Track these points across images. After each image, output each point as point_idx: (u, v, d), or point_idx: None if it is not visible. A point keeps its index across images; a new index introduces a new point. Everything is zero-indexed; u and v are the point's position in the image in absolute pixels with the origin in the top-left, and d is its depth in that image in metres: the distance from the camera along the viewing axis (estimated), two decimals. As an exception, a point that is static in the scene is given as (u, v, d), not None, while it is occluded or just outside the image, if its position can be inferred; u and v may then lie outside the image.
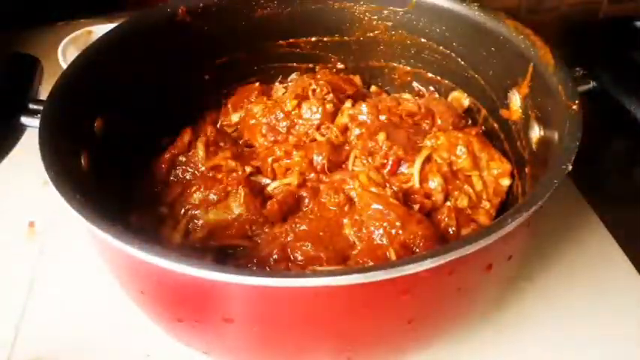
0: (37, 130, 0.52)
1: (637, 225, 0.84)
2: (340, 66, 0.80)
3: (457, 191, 0.62)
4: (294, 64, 0.80)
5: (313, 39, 0.77)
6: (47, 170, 0.48)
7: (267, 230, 0.61)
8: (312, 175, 0.65)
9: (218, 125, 0.75)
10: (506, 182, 0.65)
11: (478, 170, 0.64)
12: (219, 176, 0.64)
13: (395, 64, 0.78)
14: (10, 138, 0.55)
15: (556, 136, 0.53)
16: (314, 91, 0.73)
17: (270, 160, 0.66)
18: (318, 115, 0.69)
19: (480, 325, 0.64)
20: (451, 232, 0.60)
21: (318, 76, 0.76)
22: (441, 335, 0.56)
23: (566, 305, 0.67)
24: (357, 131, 0.68)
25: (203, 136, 0.68)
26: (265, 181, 0.66)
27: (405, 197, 0.61)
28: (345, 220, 0.59)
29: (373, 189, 0.61)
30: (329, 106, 0.70)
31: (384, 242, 0.56)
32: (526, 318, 0.66)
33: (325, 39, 0.77)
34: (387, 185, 0.62)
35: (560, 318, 0.66)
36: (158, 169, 0.66)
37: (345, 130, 0.70)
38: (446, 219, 0.60)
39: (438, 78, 0.76)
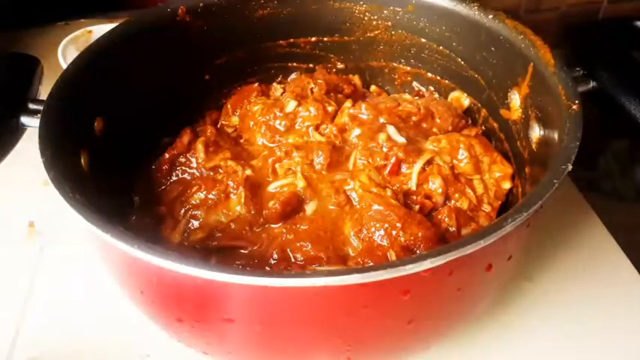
0: (37, 130, 0.52)
1: (637, 225, 0.84)
2: (340, 66, 0.80)
3: (458, 193, 0.62)
4: (294, 64, 0.80)
5: (313, 39, 0.77)
6: (47, 170, 0.48)
7: (267, 230, 0.61)
8: (313, 175, 0.65)
9: (218, 125, 0.75)
10: (507, 185, 0.64)
11: (480, 174, 0.64)
12: (220, 177, 0.64)
13: (395, 64, 0.78)
14: (10, 138, 0.55)
15: (556, 136, 0.53)
16: (312, 90, 0.73)
17: (270, 160, 0.66)
18: (315, 113, 0.69)
19: (479, 325, 0.64)
20: (451, 232, 0.60)
21: (316, 75, 0.76)
22: (441, 335, 0.56)
23: (567, 305, 0.67)
24: (357, 131, 0.68)
25: (203, 137, 0.68)
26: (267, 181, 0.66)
27: (406, 198, 0.61)
28: (346, 221, 0.60)
29: (374, 189, 0.61)
30: (329, 106, 0.70)
31: (385, 243, 0.56)
32: (526, 318, 0.66)
33: (325, 39, 0.77)
34: (388, 186, 0.62)
35: (561, 318, 0.66)
36: (158, 169, 0.66)
37: (344, 130, 0.70)
38: (446, 219, 0.60)
39: (438, 78, 0.76)
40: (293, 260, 0.57)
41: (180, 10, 0.69)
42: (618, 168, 0.97)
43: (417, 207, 0.61)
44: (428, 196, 0.62)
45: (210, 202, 0.62)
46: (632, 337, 0.64)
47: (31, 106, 0.56)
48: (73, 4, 1.10)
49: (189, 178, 0.66)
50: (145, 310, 0.55)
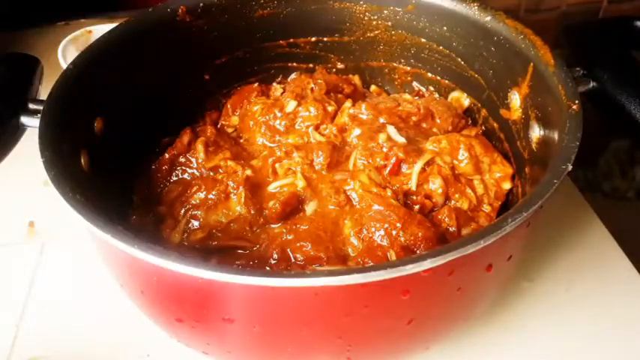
0: (37, 130, 0.52)
1: (637, 224, 0.84)
2: (340, 66, 0.80)
3: (458, 194, 0.62)
4: (294, 64, 0.80)
5: (313, 39, 0.77)
6: (47, 170, 0.48)
7: (267, 230, 0.61)
8: (313, 175, 0.65)
9: (218, 125, 0.75)
10: (507, 186, 0.64)
11: (480, 174, 0.64)
12: (220, 177, 0.64)
13: (395, 64, 0.78)
14: (10, 138, 0.55)
15: (556, 136, 0.53)
16: (312, 90, 0.73)
17: (270, 160, 0.66)
18: (315, 113, 0.69)
19: (479, 325, 0.64)
20: (451, 232, 0.60)
21: (316, 75, 0.76)
22: (441, 335, 0.56)
23: (566, 305, 0.67)
24: (357, 131, 0.68)
25: (203, 137, 0.68)
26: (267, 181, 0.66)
27: (406, 198, 0.61)
28: (346, 221, 0.60)
29: (374, 189, 0.61)
30: (329, 106, 0.70)
31: (385, 243, 0.56)
32: (526, 318, 0.66)
33: (325, 39, 0.77)
34: (388, 186, 0.62)
35: (560, 318, 0.66)
36: (158, 169, 0.66)
37: (344, 130, 0.70)
38: (446, 219, 0.60)
39: (438, 78, 0.76)
40: (293, 260, 0.57)
41: (180, 10, 0.69)
42: (618, 168, 0.97)
43: (417, 207, 0.61)
44: (428, 196, 0.62)
45: (210, 202, 0.62)
46: (632, 337, 0.64)
47: (31, 106, 0.56)
48: (73, 4, 1.10)
49: (189, 178, 0.66)
50: (145, 310, 0.55)
